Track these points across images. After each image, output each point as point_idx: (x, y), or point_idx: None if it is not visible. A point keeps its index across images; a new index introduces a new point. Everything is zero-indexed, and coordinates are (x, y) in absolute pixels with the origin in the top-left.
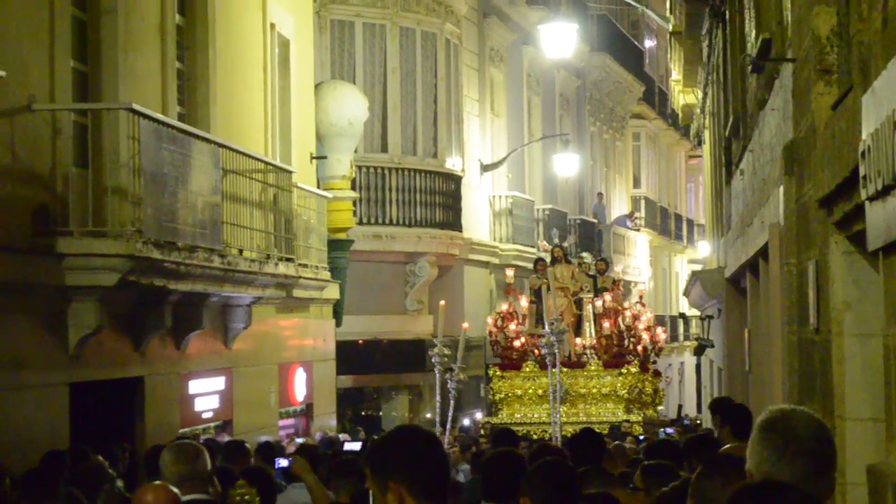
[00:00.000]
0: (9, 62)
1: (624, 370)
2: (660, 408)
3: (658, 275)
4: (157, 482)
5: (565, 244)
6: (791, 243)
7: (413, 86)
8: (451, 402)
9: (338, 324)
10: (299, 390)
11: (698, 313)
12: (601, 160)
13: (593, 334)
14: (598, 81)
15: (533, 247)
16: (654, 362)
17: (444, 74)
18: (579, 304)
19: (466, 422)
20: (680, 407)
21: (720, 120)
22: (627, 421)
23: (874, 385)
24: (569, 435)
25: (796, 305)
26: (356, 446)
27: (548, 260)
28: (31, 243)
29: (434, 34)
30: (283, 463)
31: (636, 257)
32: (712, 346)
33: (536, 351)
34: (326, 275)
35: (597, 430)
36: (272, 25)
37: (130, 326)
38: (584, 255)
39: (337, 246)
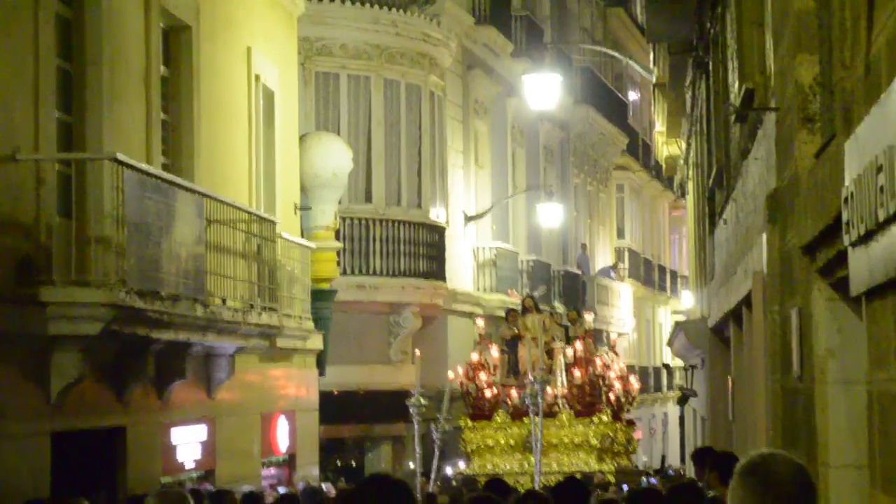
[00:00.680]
0: None
1: (595, 419)
2: (643, 458)
3: (642, 326)
4: None
5: (536, 294)
6: (774, 291)
7: (397, 137)
8: (437, 452)
9: (321, 374)
10: (282, 440)
11: (682, 364)
12: (585, 211)
13: (564, 384)
14: (582, 133)
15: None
16: (629, 412)
17: (429, 126)
18: (550, 353)
19: (449, 471)
20: (663, 457)
21: (704, 170)
22: (601, 471)
23: (858, 432)
24: (542, 485)
25: (780, 353)
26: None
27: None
28: (14, 293)
29: (418, 86)
30: None
31: (620, 308)
32: (696, 395)
33: (509, 401)
34: (310, 325)
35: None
36: (257, 77)
37: (113, 376)
38: (557, 304)
39: (321, 296)
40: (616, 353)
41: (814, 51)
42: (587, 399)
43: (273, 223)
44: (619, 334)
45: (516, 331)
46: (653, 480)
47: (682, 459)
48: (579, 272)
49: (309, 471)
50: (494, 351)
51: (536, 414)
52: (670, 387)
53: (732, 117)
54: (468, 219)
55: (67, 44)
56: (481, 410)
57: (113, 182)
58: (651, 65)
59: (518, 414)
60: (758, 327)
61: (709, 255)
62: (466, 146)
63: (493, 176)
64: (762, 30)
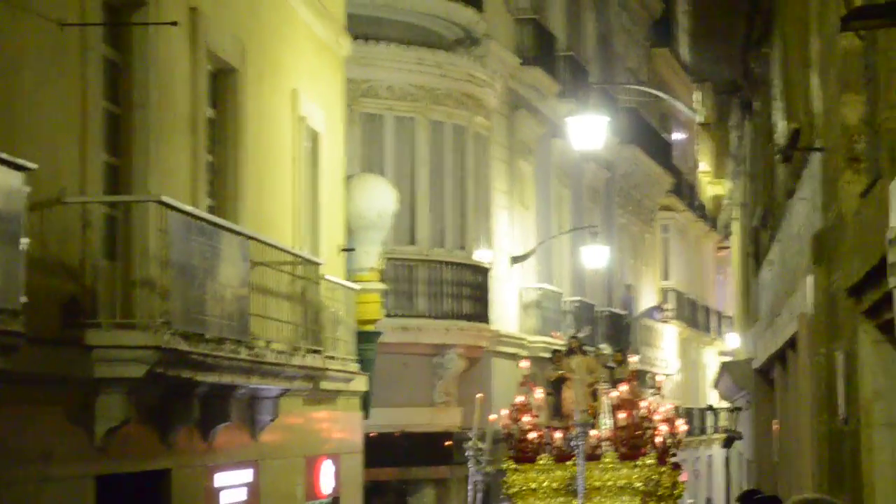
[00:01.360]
0: (41, 155)
1: (640, 462)
2: (689, 501)
3: (687, 367)
4: None
5: (581, 335)
6: (820, 333)
7: (442, 178)
8: (479, 495)
9: (365, 416)
10: (326, 483)
11: (727, 405)
12: (630, 252)
13: (609, 426)
14: (626, 174)
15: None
16: (675, 454)
17: (473, 167)
18: (595, 395)
19: None
20: (708, 500)
21: (749, 210)
22: None
23: None
24: None
25: (825, 396)
26: None
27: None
28: (60, 335)
29: (463, 127)
30: None
31: (665, 349)
32: (741, 437)
33: (555, 443)
34: (354, 367)
35: None
36: (303, 119)
37: (158, 418)
38: (603, 346)
39: (365, 338)
40: (662, 395)
41: (860, 91)
42: (632, 442)
43: (317, 265)
44: (665, 376)
45: (561, 372)
46: None
47: (728, 501)
48: (624, 313)
49: None
50: (539, 393)
51: (577, 456)
52: (715, 429)
53: (778, 157)
54: (513, 260)
55: (115, 86)
56: (525, 453)
57: (158, 224)
58: (695, 105)
59: (562, 456)
60: (803, 369)
61: (754, 296)
62: (511, 187)
63: (537, 217)
64: (808, 70)
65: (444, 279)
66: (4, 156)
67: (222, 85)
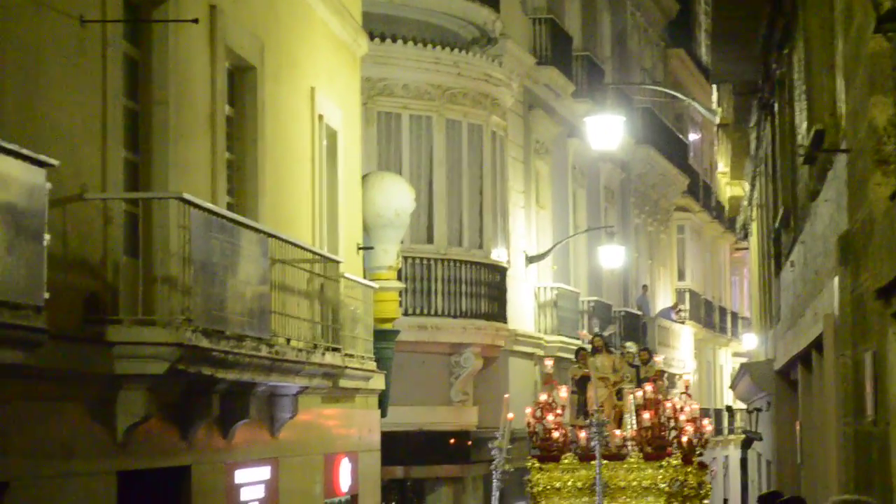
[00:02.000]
0: (62, 152)
1: (664, 462)
2: (706, 502)
3: (702, 367)
4: None
5: (606, 333)
6: (846, 334)
7: (459, 177)
8: (497, 493)
9: (383, 414)
10: (344, 481)
11: (744, 406)
12: (646, 252)
13: (634, 426)
14: (642, 174)
15: (578, 339)
16: (701, 454)
17: (490, 166)
18: (620, 394)
19: None
20: (725, 501)
21: (769, 212)
22: None
23: None
24: None
25: (852, 397)
26: None
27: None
28: (81, 331)
29: (480, 126)
30: None
31: (680, 350)
32: (760, 439)
33: (580, 442)
34: (372, 365)
35: None
36: (320, 117)
37: (178, 415)
38: (629, 344)
39: (383, 336)
40: (689, 396)
41: (888, 92)
42: (657, 442)
43: (336, 263)
44: (680, 376)
45: (586, 371)
46: None
47: (744, 503)
48: (640, 313)
49: None
50: (563, 391)
51: (611, 457)
52: (731, 430)
53: (801, 159)
54: (529, 259)
55: (134, 84)
56: (549, 451)
57: (179, 221)
58: (714, 105)
59: (586, 456)
60: (829, 370)
61: (774, 298)
62: (527, 186)
63: (553, 216)
64: (832, 71)
65: (461, 278)
66: (27, 152)
67: (240, 82)
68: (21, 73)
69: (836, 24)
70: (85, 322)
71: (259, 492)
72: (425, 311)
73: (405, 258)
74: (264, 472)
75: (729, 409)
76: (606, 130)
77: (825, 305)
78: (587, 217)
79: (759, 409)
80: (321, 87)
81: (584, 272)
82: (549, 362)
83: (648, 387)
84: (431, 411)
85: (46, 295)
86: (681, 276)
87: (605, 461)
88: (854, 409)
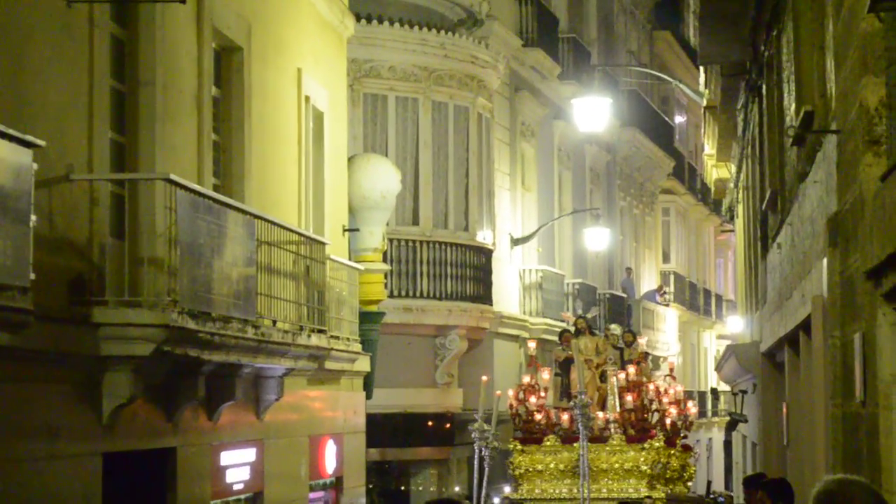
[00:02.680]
0: (48, 132)
1: (647, 445)
2: (689, 483)
3: (686, 350)
4: None
5: (589, 315)
6: (835, 316)
7: (445, 159)
8: (486, 470)
9: (368, 396)
10: (329, 463)
11: (729, 388)
12: (631, 235)
13: (617, 408)
14: (628, 156)
15: (563, 321)
16: (685, 437)
17: (476, 148)
18: (604, 376)
19: (496, 501)
20: (709, 483)
21: (755, 193)
22: (649, 497)
23: None
24: None
25: (840, 378)
26: None
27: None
28: (67, 312)
29: (466, 108)
30: None
31: (665, 332)
32: (745, 421)
33: (562, 424)
34: (358, 347)
35: None
36: (307, 98)
37: (164, 397)
38: (613, 326)
39: (368, 318)
40: (674, 378)
41: (880, 73)
42: (640, 424)
43: (323, 244)
44: (665, 358)
45: (569, 353)
46: None
47: (727, 485)
48: (625, 296)
49: (356, 494)
50: (545, 374)
51: (593, 440)
52: (715, 412)
53: (789, 140)
54: (514, 241)
55: (121, 64)
56: (531, 434)
57: (166, 202)
58: (701, 87)
59: (569, 438)
60: (817, 352)
61: (760, 280)
62: (513, 168)
63: (539, 198)
64: (822, 52)
65: (446, 260)
66: (13, 132)
67: (227, 63)
68: (8, 54)
69: (826, 5)
70: (71, 303)
71: (244, 473)
72: (411, 294)
73: (391, 240)
74: (250, 454)
75: (714, 391)
76: (592, 112)
77: (813, 287)
78: (572, 199)
79: (744, 392)
80: (308, 69)
81: (569, 254)
82: (532, 344)
83: (631, 369)
84: (416, 393)
85: (32, 276)
86: (666, 259)
87: (587, 443)
88: (842, 391)
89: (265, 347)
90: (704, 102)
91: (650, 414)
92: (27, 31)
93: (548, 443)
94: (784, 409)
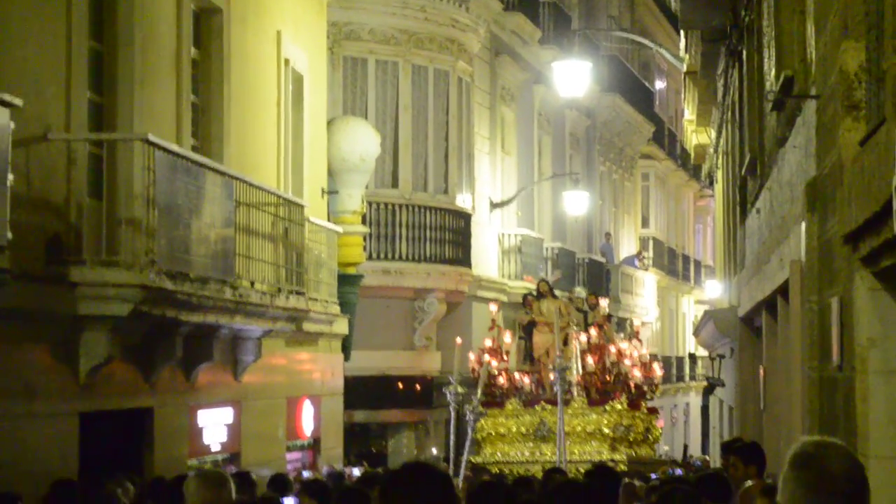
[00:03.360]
0: (26, 92)
1: (608, 407)
2: (664, 448)
3: (665, 315)
4: None
5: (551, 278)
6: (813, 280)
7: (424, 123)
8: (469, 434)
9: (346, 358)
10: (307, 424)
11: (706, 353)
12: (610, 200)
13: (579, 371)
14: (608, 121)
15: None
16: (651, 399)
17: (456, 112)
18: (566, 340)
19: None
20: (685, 447)
21: (735, 159)
22: (612, 460)
23: None
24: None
25: (818, 343)
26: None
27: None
28: (44, 272)
29: (446, 72)
30: (288, 502)
31: (644, 297)
32: (723, 385)
33: (524, 388)
34: (336, 309)
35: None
36: (286, 61)
37: (141, 357)
38: (578, 289)
39: (347, 281)
40: (640, 341)
41: (860, 38)
42: (602, 387)
43: (301, 206)
44: (643, 323)
45: (532, 316)
46: (678, 472)
47: (704, 450)
48: (604, 261)
49: (333, 455)
50: (507, 337)
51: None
52: (693, 377)
53: (769, 105)
54: (494, 205)
55: (99, 25)
56: (493, 397)
57: (144, 163)
58: (682, 52)
59: (530, 402)
60: (794, 316)
61: (739, 245)
62: (493, 133)
63: (519, 163)
64: (802, 17)
65: (425, 223)
66: None
67: (206, 25)
68: None
69: None
70: (48, 263)
71: (221, 434)
72: (389, 256)
73: (370, 203)
74: (227, 415)
75: (691, 356)
76: (573, 77)
77: (791, 251)
78: (552, 164)
79: (721, 356)
80: (287, 31)
81: (548, 219)
82: (493, 307)
83: (593, 331)
84: (394, 356)
85: (9, 235)
86: (645, 224)
87: (548, 407)
88: (819, 355)
89: (243, 308)
90: (685, 68)
91: (612, 376)
92: None
93: (509, 406)
94: (761, 374)
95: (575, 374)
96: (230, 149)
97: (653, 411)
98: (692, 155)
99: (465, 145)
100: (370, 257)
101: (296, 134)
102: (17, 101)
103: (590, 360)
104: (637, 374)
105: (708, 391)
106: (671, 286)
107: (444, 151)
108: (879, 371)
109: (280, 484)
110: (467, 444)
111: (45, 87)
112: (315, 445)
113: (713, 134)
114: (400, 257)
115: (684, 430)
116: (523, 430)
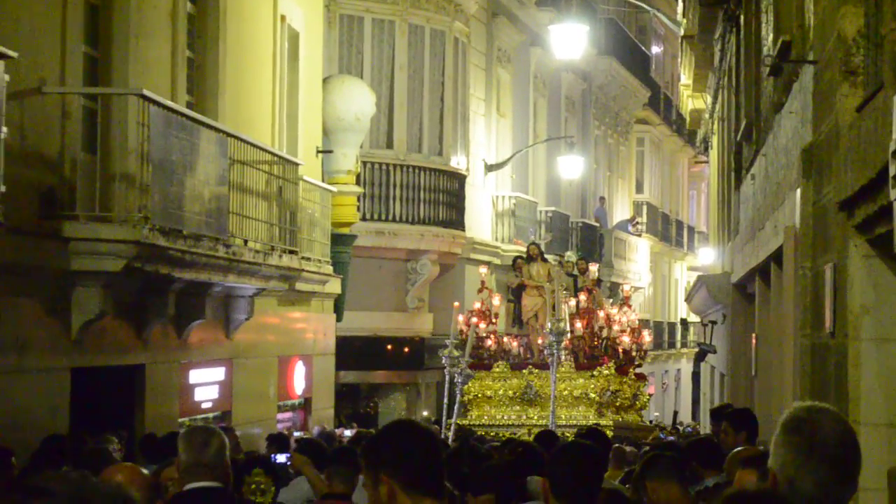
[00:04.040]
0: (21, 44)
1: (596, 372)
2: (655, 414)
3: (658, 280)
4: (127, 463)
5: (541, 241)
6: (807, 246)
7: (420, 83)
8: (458, 396)
9: (338, 319)
10: (298, 384)
11: (699, 319)
12: (605, 164)
13: (567, 335)
14: (603, 85)
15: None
16: (639, 365)
17: (452, 73)
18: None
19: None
20: (675, 413)
21: (731, 124)
22: (598, 425)
23: (890, 389)
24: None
25: (811, 309)
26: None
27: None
28: (37, 226)
29: (443, 32)
30: (281, 458)
31: (637, 262)
32: (714, 351)
33: (512, 350)
34: (329, 269)
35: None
36: (282, 17)
37: (133, 313)
38: (568, 254)
39: (340, 241)
40: (629, 306)
41: (858, 3)
42: (590, 352)
43: (296, 165)
44: (635, 288)
45: (521, 279)
46: (669, 438)
47: (695, 416)
48: (597, 225)
49: (324, 415)
50: (496, 300)
51: (542, 366)
52: (684, 343)
53: (766, 71)
54: (488, 168)
55: None
56: (481, 360)
57: (138, 118)
58: (679, 16)
59: (518, 365)
60: (788, 283)
61: (734, 211)
62: (488, 94)
63: (514, 125)
64: None
65: (420, 184)
66: None
67: None
68: None
69: None
70: (41, 217)
71: (213, 392)
72: (383, 217)
73: (364, 163)
74: (218, 373)
75: (683, 321)
76: (569, 40)
77: (786, 218)
78: (547, 127)
79: (713, 323)
80: None
81: (542, 182)
82: (483, 269)
83: (582, 296)
84: (387, 317)
85: (3, 188)
86: (639, 189)
87: (536, 370)
88: (812, 322)
89: (236, 266)
90: (682, 32)
91: (600, 341)
92: None
93: (497, 369)
94: (753, 340)
95: (563, 338)
96: (225, 105)
97: (641, 377)
98: (688, 120)
99: (461, 106)
100: (363, 218)
101: (291, 92)
102: (12, 53)
103: (578, 324)
104: (626, 339)
105: (699, 357)
106: (664, 252)
107: (439, 112)
108: (872, 338)
109: (279, 442)
110: (456, 406)
111: (40, 40)
112: (306, 405)
113: (709, 99)
114: (393, 218)
115: (675, 396)
116: (510, 393)
